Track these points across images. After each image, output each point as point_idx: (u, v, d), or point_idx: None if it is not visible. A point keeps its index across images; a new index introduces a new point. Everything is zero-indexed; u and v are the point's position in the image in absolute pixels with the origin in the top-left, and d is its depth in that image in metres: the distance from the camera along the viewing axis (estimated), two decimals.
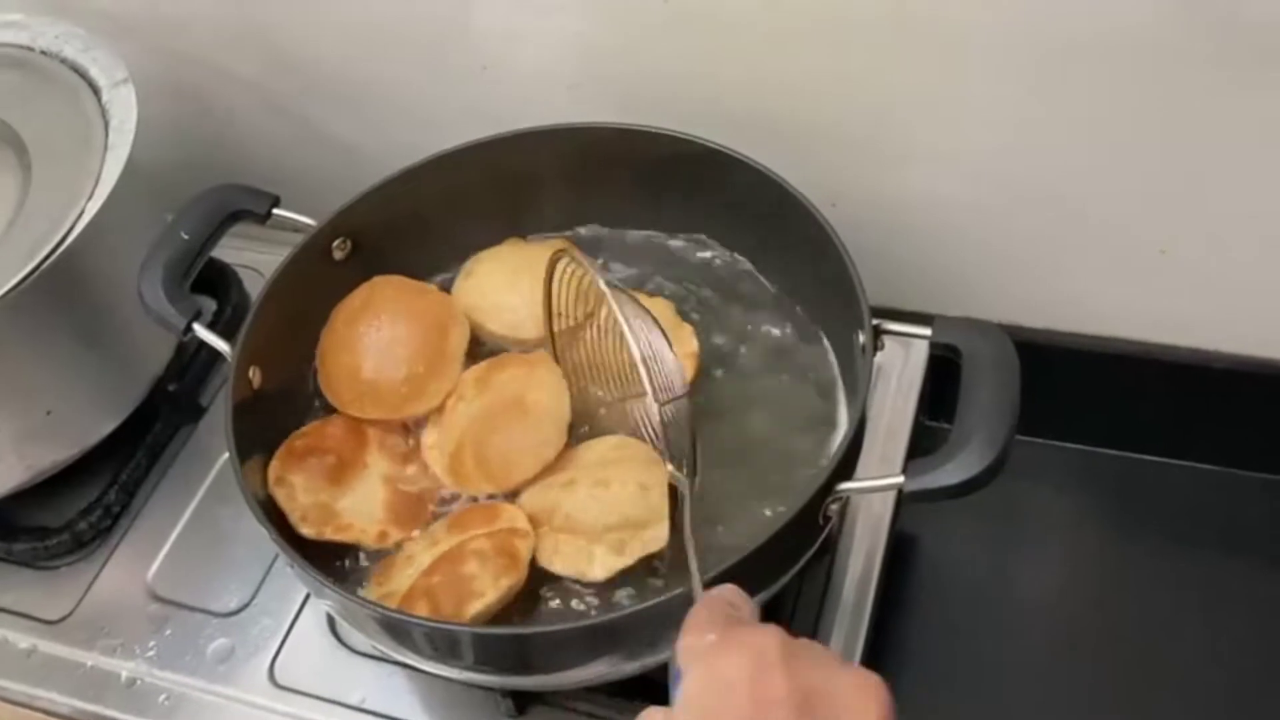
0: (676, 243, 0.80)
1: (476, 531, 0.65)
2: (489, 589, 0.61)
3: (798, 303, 0.76)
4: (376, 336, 0.73)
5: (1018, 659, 0.79)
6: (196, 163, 0.95)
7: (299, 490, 0.68)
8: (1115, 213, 0.77)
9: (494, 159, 0.77)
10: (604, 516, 0.64)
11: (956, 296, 0.85)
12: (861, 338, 0.63)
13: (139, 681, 0.74)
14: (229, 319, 0.87)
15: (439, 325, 0.74)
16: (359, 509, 0.68)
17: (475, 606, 0.61)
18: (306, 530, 0.67)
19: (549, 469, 0.68)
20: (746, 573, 0.57)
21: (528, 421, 0.69)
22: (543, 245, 0.78)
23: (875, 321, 0.63)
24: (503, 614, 0.63)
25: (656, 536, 0.64)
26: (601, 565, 0.64)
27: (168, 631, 0.76)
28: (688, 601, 0.56)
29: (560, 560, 0.65)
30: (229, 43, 0.90)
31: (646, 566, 0.65)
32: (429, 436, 0.71)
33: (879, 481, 0.58)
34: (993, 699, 0.77)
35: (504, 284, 0.76)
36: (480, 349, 0.76)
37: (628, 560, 0.64)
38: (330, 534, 0.67)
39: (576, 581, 0.65)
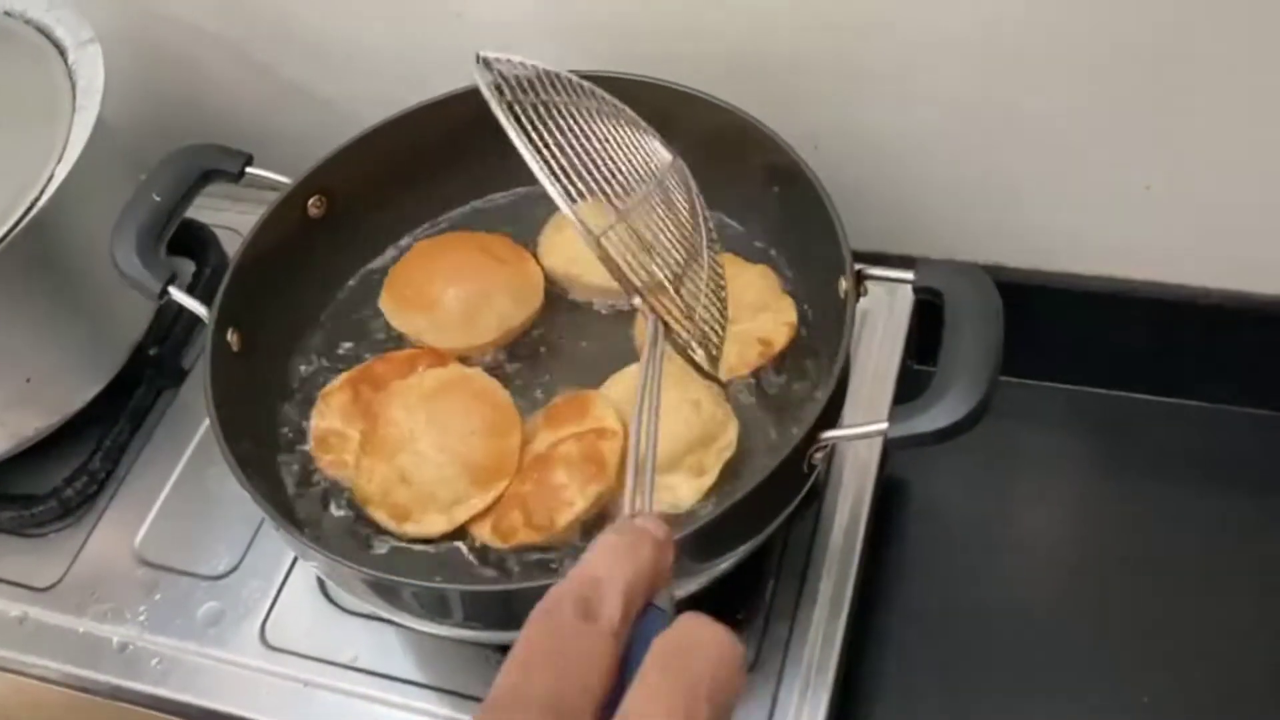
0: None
1: (566, 431, 0.65)
2: (578, 498, 0.62)
3: (776, 248, 0.75)
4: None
5: (1008, 600, 0.78)
6: (167, 122, 0.93)
7: None
8: (1099, 150, 0.76)
9: (470, 111, 0.75)
10: (670, 446, 0.63)
11: (940, 238, 0.85)
12: (844, 284, 0.63)
13: (130, 646, 0.74)
14: (208, 280, 0.86)
15: None
16: None
17: (566, 516, 0.62)
18: None
19: None
20: (731, 524, 0.57)
21: None
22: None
23: (858, 267, 0.63)
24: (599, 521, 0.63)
25: (730, 443, 0.65)
26: (690, 491, 0.64)
27: (157, 596, 0.75)
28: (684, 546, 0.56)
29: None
30: (203, 1, 0.88)
31: None
32: None
33: (863, 429, 0.58)
34: (984, 641, 0.77)
35: None
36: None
37: (711, 477, 0.64)
38: None
39: None
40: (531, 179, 0.76)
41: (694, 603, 0.61)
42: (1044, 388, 0.88)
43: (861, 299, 0.63)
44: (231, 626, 0.73)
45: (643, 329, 0.71)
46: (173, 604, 0.75)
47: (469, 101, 0.74)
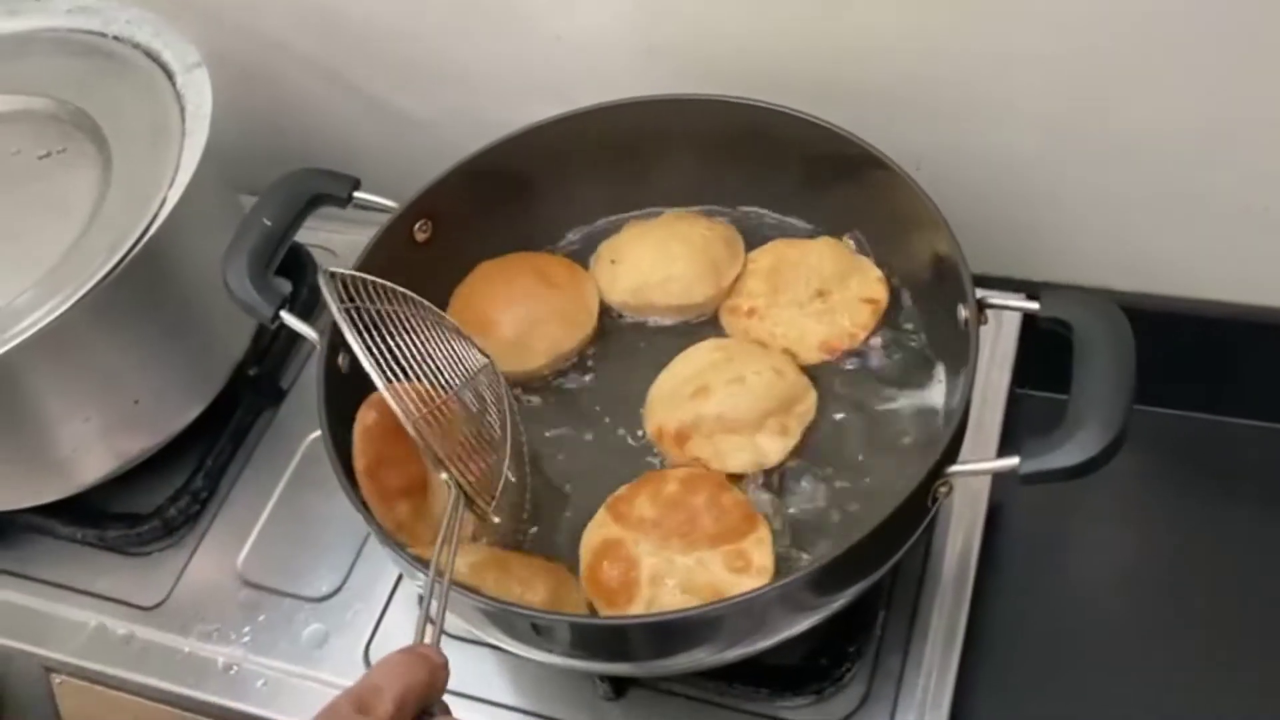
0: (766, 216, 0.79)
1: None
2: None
3: (889, 273, 0.74)
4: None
5: (1107, 626, 0.77)
6: (269, 145, 0.94)
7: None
8: (1212, 170, 0.74)
9: (573, 135, 0.75)
10: (758, 405, 0.67)
11: (1045, 259, 0.83)
12: (964, 311, 0.62)
13: (236, 667, 0.74)
14: (305, 300, 0.86)
15: None
16: None
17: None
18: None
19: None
20: (855, 559, 0.56)
21: None
22: (670, 216, 0.78)
23: (979, 294, 0.61)
24: None
25: (809, 408, 0.69)
26: (776, 449, 0.67)
27: (261, 617, 0.76)
28: (783, 596, 0.56)
29: (733, 459, 0.67)
30: (298, 22, 0.89)
31: None
32: None
33: (993, 464, 0.57)
34: (1084, 667, 0.75)
35: (659, 258, 0.75)
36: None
37: (794, 438, 0.68)
38: None
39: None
40: (621, 208, 0.79)
41: (808, 636, 0.61)
42: (1147, 412, 0.84)
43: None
44: (336, 649, 0.74)
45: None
46: (277, 626, 0.75)
47: (572, 126, 0.75)
